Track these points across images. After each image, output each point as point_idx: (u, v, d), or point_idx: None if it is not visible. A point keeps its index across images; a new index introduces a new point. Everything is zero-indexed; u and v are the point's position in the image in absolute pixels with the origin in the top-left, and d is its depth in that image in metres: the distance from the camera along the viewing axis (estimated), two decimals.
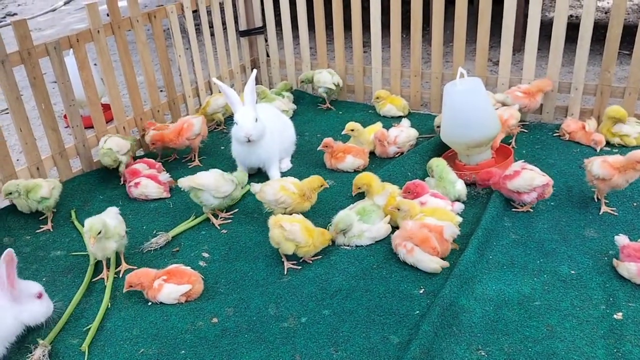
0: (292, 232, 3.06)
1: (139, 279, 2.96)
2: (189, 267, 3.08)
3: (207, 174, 3.58)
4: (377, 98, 4.99)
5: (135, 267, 3.17)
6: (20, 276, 2.78)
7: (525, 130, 4.48)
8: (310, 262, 3.18)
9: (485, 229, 3.26)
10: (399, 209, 3.27)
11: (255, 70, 4.09)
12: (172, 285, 2.94)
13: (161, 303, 2.96)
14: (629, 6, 7.55)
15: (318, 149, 4.19)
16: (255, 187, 3.52)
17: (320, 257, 3.21)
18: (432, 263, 2.99)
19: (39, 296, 2.82)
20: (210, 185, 3.50)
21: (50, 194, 3.62)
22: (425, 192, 3.49)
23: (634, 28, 4.18)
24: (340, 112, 5.23)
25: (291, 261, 3.19)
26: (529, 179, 3.36)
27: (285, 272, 3.13)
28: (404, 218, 3.23)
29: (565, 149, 4.19)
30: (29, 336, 2.77)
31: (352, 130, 4.26)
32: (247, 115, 3.84)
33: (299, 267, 3.16)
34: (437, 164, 3.67)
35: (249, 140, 3.84)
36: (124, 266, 3.22)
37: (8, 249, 2.66)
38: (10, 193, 3.57)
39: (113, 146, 4.05)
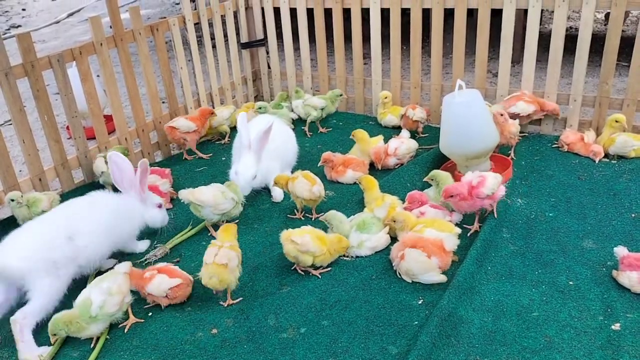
0: (304, 243, 3.07)
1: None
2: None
3: (208, 189, 3.55)
4: (386, 97, 5.01)
5: (142, 320, 2.94)
6: None
7: (522, 138, 4.49)
8: (319, 276, 3.17)
9: (484, 240, 3.27)
10: (395, 221, 3.28)
11: (272, 124, 3.90)
12: (163, 276, 2.96)
13: (154, 301, 3.02)
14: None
15: (318, 165, 4.20)
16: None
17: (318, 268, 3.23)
18: (421, 260, 2.97)
19: (159, 206, 3.53)
20: (210, 201, 3.49)
21: (50, 207, 3.63)
22: (426, 202, 3.51)
23: (632, 40, 4.21)
24: (341, 123, 5.26)
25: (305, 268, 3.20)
26: (494, 177, 3.37)
27: (319, 277, 3.14)
28: (401, 229, 3.25)
29: (564, 160, 4.21)
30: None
31: (355, 135, 4.31)
32: (247, 170, 3.81)
33: (329, 269, 3.18)
34: (446, 181, 3.54)
35: None
36: (132, 320, 2.93)
37: (143, 159, 3.37)
38: (19, 202, 3.56)
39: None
